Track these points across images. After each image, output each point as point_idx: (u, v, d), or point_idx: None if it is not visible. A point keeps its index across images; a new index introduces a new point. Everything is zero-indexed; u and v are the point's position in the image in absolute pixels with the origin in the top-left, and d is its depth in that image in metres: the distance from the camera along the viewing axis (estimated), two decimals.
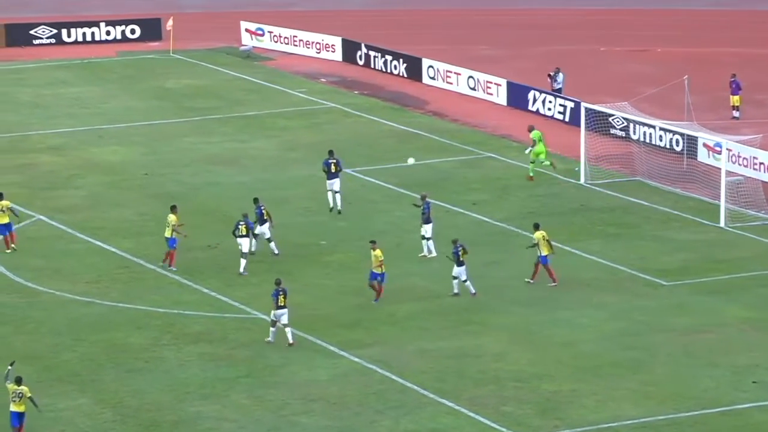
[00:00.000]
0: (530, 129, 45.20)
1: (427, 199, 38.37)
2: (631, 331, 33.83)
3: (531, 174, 44.55)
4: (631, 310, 35.01)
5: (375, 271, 34.74)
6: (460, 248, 35.09)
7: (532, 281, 36.29)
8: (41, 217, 41.61)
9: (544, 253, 36.05)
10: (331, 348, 33.01)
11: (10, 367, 29.28)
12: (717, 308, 35.12)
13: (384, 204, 42.68)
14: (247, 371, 31.91)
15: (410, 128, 49.84)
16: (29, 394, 28.90)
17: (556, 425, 29.52)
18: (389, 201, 42.85)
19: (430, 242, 37.80)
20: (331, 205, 41.59)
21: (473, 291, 35.25)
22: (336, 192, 41.35)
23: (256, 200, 38.47)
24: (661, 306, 35.31)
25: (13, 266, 37.80)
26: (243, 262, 37.07)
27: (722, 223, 40.85)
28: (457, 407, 30.20)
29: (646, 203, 42.67)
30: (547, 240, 36.10)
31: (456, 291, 35.26)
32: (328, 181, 41.50)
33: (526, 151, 44.90)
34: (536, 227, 36.49)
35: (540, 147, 44.58)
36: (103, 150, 47.89)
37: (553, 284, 36.00)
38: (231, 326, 34.25)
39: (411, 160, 43.81)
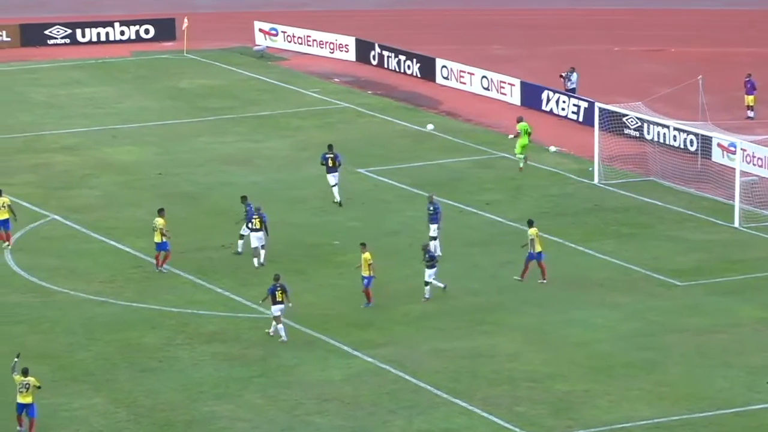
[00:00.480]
0: (519, 120, 45.66)
1: (435, 199, 38.25)
2: (645, 332, 33.78)
3: (521, 165, 44.93)
4: (645, 311, 34.96)
5: (364, 274, 34.39)
6: (432, 254, 34.88)
7: (544, 281, 36.26)
8: (56, 216, 41.72)
9: (537, 249, 35.97)
10: (345, 348, 33.02)
11: (16, 359, 29.38)
12: (731, 308, 35.04)
13: (397, 204, 42.69)
14: (260, 371, 31.94)
15: (423, 128, 49.84)
16: (38, 384, 29.01)
17: (569, 425, 29.49)
18: (402, 201, 42.86)
19: (436, 242, 37.70)
20: (338, 200, 41.76)
21: (442, 285, 35.12)
22: (334, 185, 41.76)
23: (244, 198, 38.45)
24: (675, 306, 35.24)
25: (27, 266, 37.91)
26: (262, 253, 37.13)
27: (736, 224, 40.76)
28: (470, 407, 30.19)
29: (660, 203, 42.59)
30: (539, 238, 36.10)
31: (427, 296, 35.01)
32: (328, 176, 41.86)
33: (510, 137, 45.34)
34: (530, 224, 36.47)
35: (524, 140, 44.87)
36: (117, 150, 47.99)
37: (519, 279, 36.03)
38: (244, 326, 34.29)
39: (430, 126, 44.36)
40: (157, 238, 36.75)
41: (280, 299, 33.02)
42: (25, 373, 29.14)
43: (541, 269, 36.24)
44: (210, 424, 29.70)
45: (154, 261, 37.13)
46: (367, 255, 34.46)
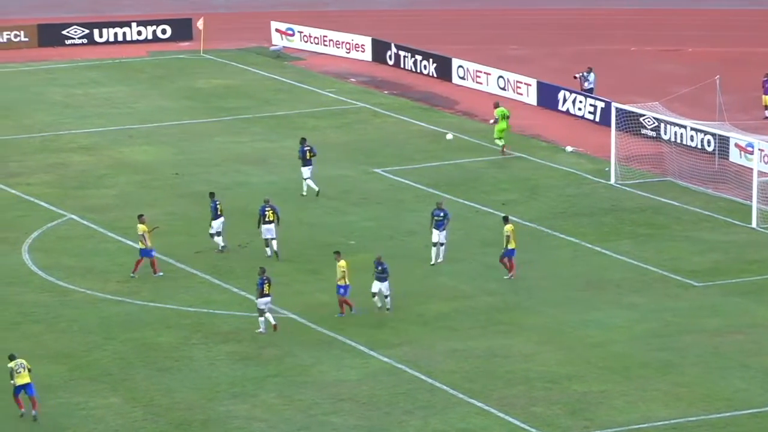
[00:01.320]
0: (496, 105, 46.82)
1: (444, 205, 37.68)
2: (661, 332, 33.70)
3: (502, 147, 46.27)
4: (662, 311, 34.87)
5: (339, 284, 33.89)
6: (381, 266, 33.98)
7: (511, 276, 36.13)
8: (72, 216, 41.83)
9: (512, 246, 35.92)
10: (360, 348, 33.02)
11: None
12: (748, 309, 34.92)
13: (413, 204, 42.68)
14: (276, 371, 31.96)
15: (440, 128, 49.82)
16: (29, 366, 29.21)
17: (585, 426, 29.45)
18: (418, 201, 42.84)
19: (443, 248, 37.22)
20: (305, 193, 42.24)
21: (388, 307, 34.11)
22: (307, 178, 42.36)
23: (212, 194, 38.67)
24: (692, 307, 35.15)
25: (45, 265, 38.02)
26: (274, 243, 37.47)
27: (754, 224, 40.63)
28: (486, 407, 30.16)
29: (677, 204, 42.49)
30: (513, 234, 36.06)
31: (380, 305, 34.18)
32: (303, 168, 42.32)
33: (490, 122, 46.69)
34: (506, 220, 36.43)
35: (502, 124, 45.98)
36: (133, 150, 48.08)
37: (510, 276, 35.98)
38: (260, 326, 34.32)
39: (450, 136, 44.74)
40: (141, 245, 36.63)
41: (267, 291, 33.12)
42: (11, 357, 29.34)
43: (509, 266, 36.09)
44: (226, 423, 29.74)
45: (151, 269, 36.66)
46: (342, 263, 34.03)
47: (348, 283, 34.02)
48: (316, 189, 42.23)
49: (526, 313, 34.83)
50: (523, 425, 29.44)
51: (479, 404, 30.24)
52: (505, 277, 36.19)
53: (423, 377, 31.48)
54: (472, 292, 35.93)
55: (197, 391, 31.06)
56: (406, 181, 44.68)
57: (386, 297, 34.29)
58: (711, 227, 40.58)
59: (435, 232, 37.17)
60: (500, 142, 46.04)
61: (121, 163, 46.87)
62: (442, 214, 37.29)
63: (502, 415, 29.80)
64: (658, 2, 68.94)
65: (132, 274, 36.71)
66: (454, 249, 37.88)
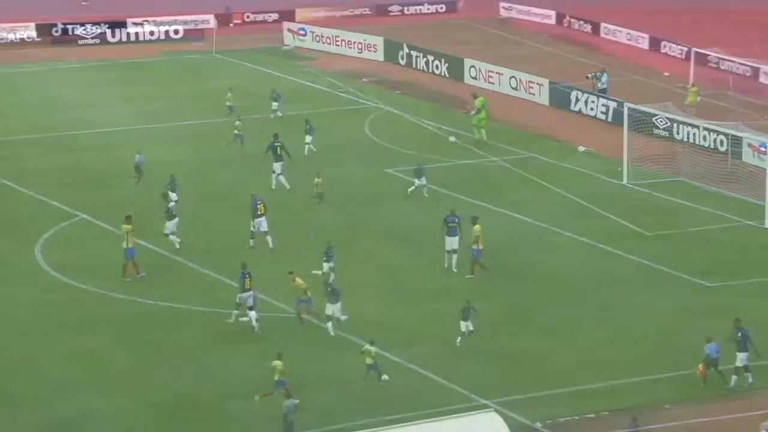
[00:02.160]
0: (474, 96, 47.70)
1: (457, 213, 37.24)
2: (673, 332, 33.65)
3: (484, 137, 46.91)
4: (674, 311, 34.82)
5: (301, 298, 33.55)
6: (331, 288, 33.44)
7: (472, 276, 36.05)
8: (85, 215, 41.93)
9: (481, 246, 35.87)
10: (374, 347, 32.97)
11: None
12: (762, 310, 34.84)
13: (425, 203, 42.66)
14: (288, 370, 31.97)
15: (452, 128, 49.82)
16: None
17: (598, 425, 29.41)
18: (430, 200, 42.83)
19: (455, 256, 36.99)
20: (273, 187, 42.50)
21: (331, 333, 33.27)
22: (279, 174, 42.65)
23: (164, 195, 38.83)
24: (705, 307, 35.09)
25: (57, 264, 38.10)
26: (269, 239, 37.86)
27: (767, 224, 40.55)
28: (499, 407, 30.15)
29: (690, 204, 42.43)
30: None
31: (332, 333, 33.25)
32: (274, 164, 42.73)
33: (472, 113, 47.50)
34: (474, 221, 36.24)
35: (483, 114, 46.79)
36: (146, 149, 48.19)
37: (471, 276, 35.94)
38: (272, 325, 34.34)
39: (452, 138, 45.21)
40: (125, 244, 36.57)
41: (248, 286, 33.23)
42: None
43: (473, 265, 35.99)
44: (239, 422, 29.78)
45: (122, 271, 36.42)
46: (299, 281, 33.64)
47: (310, 296, 33.62)
48: (273, 187, 42.41)
49: (538, 313, 34.80)
50: (535, 425, 29.43)
51: (492, 404, 30.23)
52: (467, 276, 36.07)
53: (436, 377, 31.48)
54: (485, 292, 35.92)
55: (210, 390, 31.10)
56: (418, 181, 44.64)
57: (339, 320, 33.44)
58: (724, 228, 40.50)
59: (448, 239, 36.78)
60: (483, 132, 46.54)
61: (134, 162, 46.96)
62: (456, 221, 36.93)
63: (514, 415, 29.80)
64: (669, 3, 68.84)
65: (139, 275, 36.73)
66: (468, 249, 37.84)
